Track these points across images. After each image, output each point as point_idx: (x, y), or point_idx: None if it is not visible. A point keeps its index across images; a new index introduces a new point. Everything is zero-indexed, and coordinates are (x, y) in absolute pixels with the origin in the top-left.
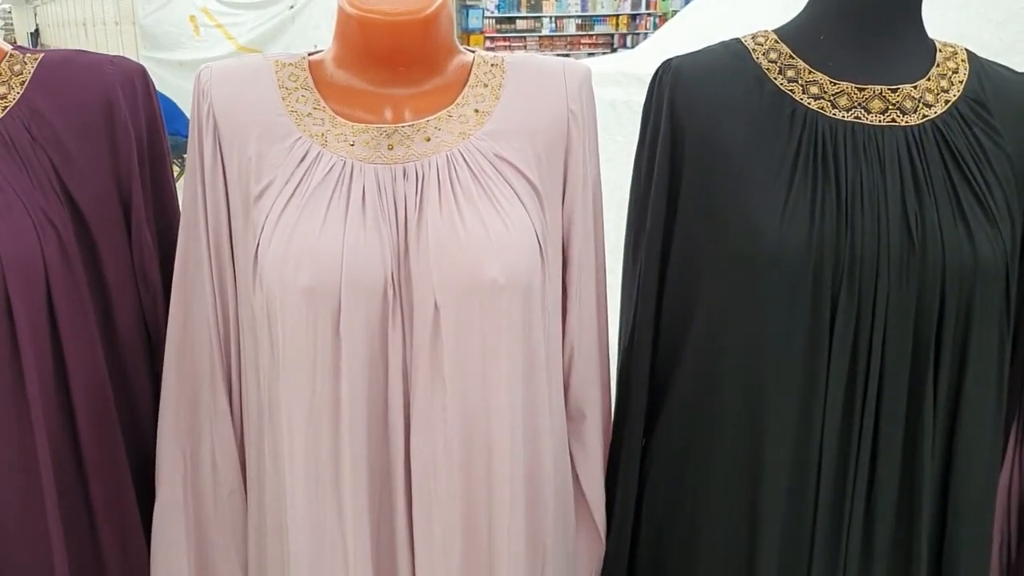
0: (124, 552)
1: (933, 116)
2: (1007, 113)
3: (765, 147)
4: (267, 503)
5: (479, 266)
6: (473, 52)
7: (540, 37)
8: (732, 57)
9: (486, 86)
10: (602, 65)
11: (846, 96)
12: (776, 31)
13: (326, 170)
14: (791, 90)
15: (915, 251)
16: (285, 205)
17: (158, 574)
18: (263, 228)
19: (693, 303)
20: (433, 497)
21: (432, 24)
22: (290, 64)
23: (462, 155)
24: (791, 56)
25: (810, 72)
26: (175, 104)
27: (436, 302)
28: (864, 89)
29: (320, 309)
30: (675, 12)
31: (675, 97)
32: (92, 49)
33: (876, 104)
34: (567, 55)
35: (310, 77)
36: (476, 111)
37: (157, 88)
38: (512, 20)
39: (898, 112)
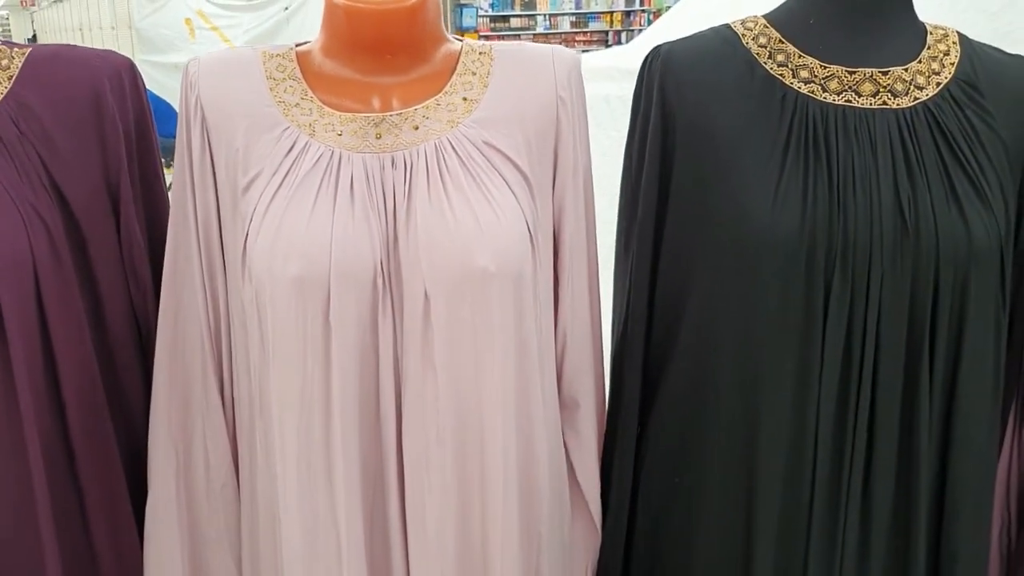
0: (117, 547)
1: (925, 98)
2: (1000, 95)
3: (756, 132)
4: (259, 495)
5: (469, 255)
6: (461, 40)
7: (535, 35)
8: (722, 42)
9: (474, 74)
10: (596, 60)
11: (836, 79)
12: (766, 16)
13: (314, 160)
14: (781, 74)
15: (908, 234)
16: (273, 196)
17: (151, 568)
18: (251, 219)
19: (686, 290)
20: (426, 487)
21: (418, 12)
22: (278, 55)
23: (451, 143)
24: (781, 41)
25: (800, 56)
26: (171, 107)
27: (426, 292)
28: (855, 72)
29: (309, 299)
30: (669, 8)
31: (665, 83)
32: None
33: (867, 87)
34: None
35: (298, 68)
36: (464, 99)
37: (153, 91)
38: (506, 18)
39: (889, 95)
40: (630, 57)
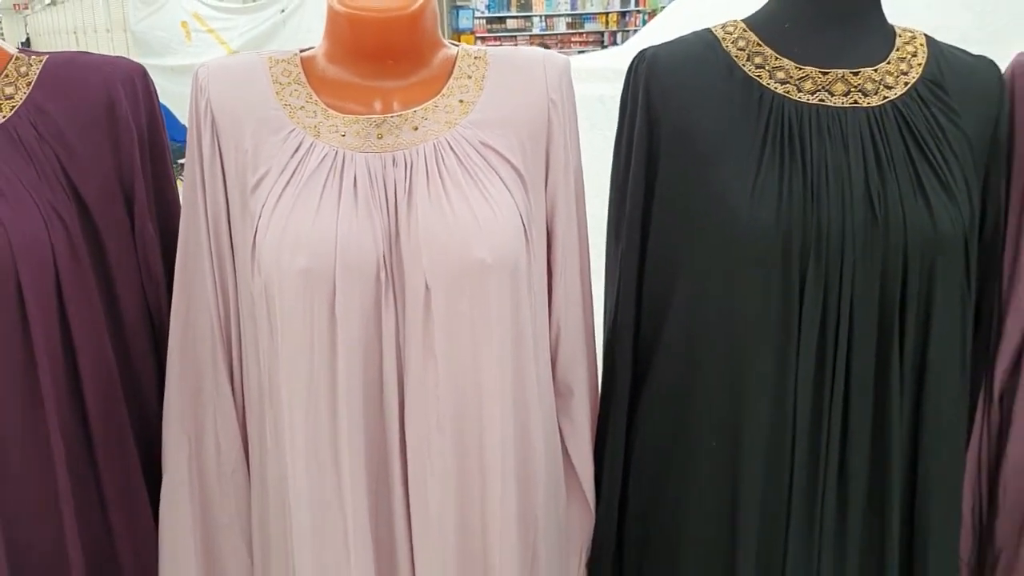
0: (133, 529)
1: (893, 97)
2: (965, 94)
3: (735, 131)
4: (269, 480)
5: (467, 248)
6: (457, 46)
7: (531, 36)
8: (703, 46)
9: (470, 77)
10: (591, 61)
11: (811, 80)
12: (744, 20)
13: (319, 159)
14: (759, 76)
15: (878, 224)
16: (281, 194)
17: (166, 552)
18: (260, 216)
19: (672, 281)
20: (428, 471)
21: (418, 20)
22: (283, 61)
23: (448, 143)
24: (758, 44)
25: (776, 59)
26: (168, 109)
27: (427, 283)
28: (827, 73)
29: (316, 291)
30: (664, 8)
31: (650, 86)
32: None
33: (839, 87)
34: None
35: (302, 72)
36: (461, 101)
37: None
38: (502, 20)
39: (860, 94)
40: (625, 58)
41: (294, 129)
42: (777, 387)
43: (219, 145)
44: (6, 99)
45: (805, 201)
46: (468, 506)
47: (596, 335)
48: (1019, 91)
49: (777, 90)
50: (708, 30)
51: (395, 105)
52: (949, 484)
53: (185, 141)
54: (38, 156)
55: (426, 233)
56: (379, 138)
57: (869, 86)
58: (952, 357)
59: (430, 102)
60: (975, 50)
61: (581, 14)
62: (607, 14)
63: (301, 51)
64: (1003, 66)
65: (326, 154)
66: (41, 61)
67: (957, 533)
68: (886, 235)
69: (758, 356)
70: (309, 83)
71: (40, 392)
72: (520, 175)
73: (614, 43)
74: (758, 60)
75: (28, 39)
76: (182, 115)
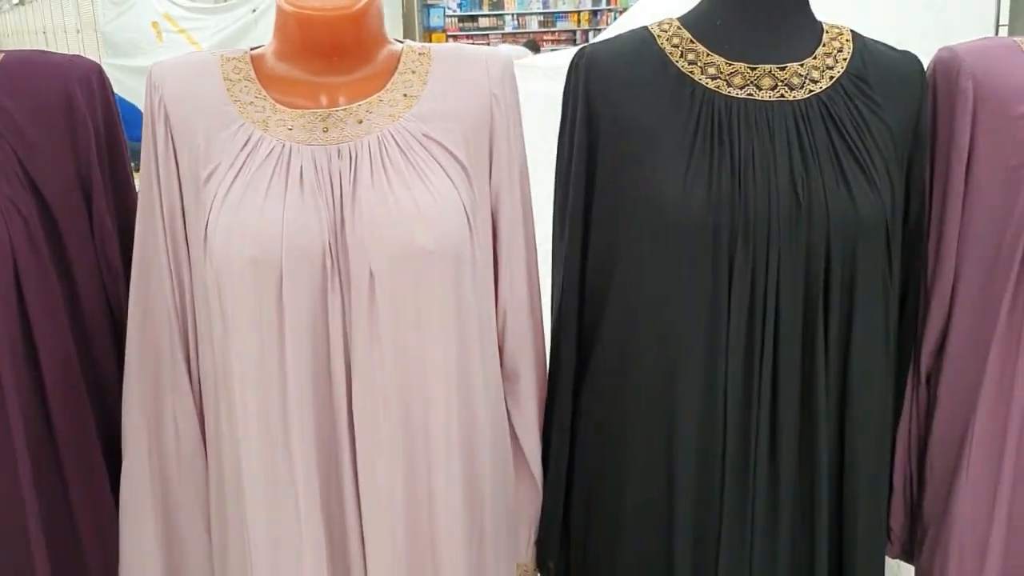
0: (97, 517)
1: (819, 91)
2: (888, 87)
3: (669, 124)
4: (225, 459)
5: (410, 234)
6: (402, 43)
7: (503, 34)
8: (639, 43)
9: (414, 72)
10: (562, 59)
11: (740, 75)
12: (679, 19)
13: (267, 152)
14: (691, 72)
15: (802, 211)
16: (231, 185)
17: (127, 533)
18: (211, 207)
19: (611, 268)
20: (375, 449)
21: (363, 18)
22: (234, 58)
23: (392, 135)
24: (691, 41)
25: (708, 55)
26: (138, 110)
27: (371, 269)
28: (755, 68)
29: (264, 279)
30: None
31: (589, 82)
32: None
33: (766, 81)
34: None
35: (252, 69)
36: (405, 95)
37: (121, 95)
38: (474, 18)
39: (786, 88)
40: None
41: (243, 124)
42: (708, 370)
43: (173, 140)
44: None
45: (733, 190)
46: (415, 482)
47: (545, 322)
48: (941, 85)
49: (708, 85)
50: (645, 28)
51: (341, 100)
52: (876, 462)
53: None
54: None
55: (370, 222)
56: (325, 131)
57: (795, 80)
58: (875, 338)
59: (374, 96)
60: (932, 44)
61: (553, 12)
62: (579, 12)
63: (251, 49)
64: None
65: (273, 147)
66: None
67: (884, 510)
68: (809, 221)
69: (689, 340)
70: (259, 80)
71: (1, 384)
72: (463, 166)
73: (586, 41)
74: (691, 56)
75: None
76: None
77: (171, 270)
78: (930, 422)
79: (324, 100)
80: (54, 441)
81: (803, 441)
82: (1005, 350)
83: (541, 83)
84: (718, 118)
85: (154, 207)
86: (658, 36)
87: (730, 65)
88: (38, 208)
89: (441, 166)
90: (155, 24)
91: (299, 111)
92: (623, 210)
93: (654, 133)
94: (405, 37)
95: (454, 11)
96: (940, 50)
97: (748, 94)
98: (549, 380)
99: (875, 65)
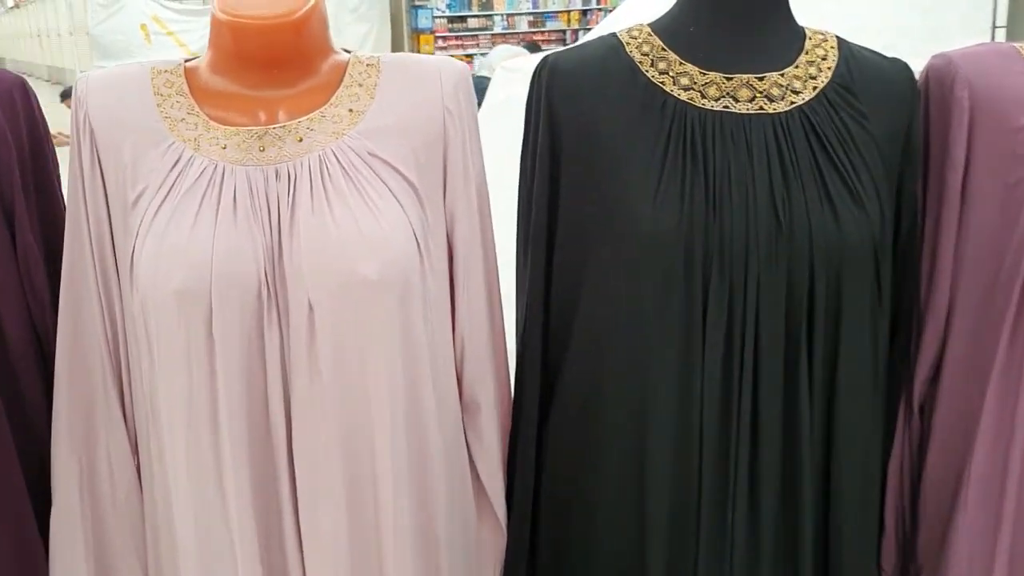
0: (21, 559)
1: (800, 103)
2: (875, 97)
3: (638, 138)
4: (158, 500)
5: (351, 264)
6: (349, 53)
7: (492, 35)
8: (607, 52)
9: (361, 86)
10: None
11: (715, 86)
12: (651, 24)
13: (197, 174)
14: (662, 82)
15: (783, 232)
16: (158, 209)
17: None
18: (138, 233)
19: (577, 291)
20: (318, 491)
21: (303, 26)
22: (166, 71)
23: (335, 154)
24: (663, 49)
25: (681, 64)
26: None
27: (310, 301)
28: (732, 78)
29: (191, 311)
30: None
31: (551, 93)
32: (47, 60)
33: (744, 93)
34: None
35: (185, 83)
36: (350, 110)
37: None
38: (463, 19)
39: (765, 100)
40: None
41: (173, 142)
42: (682, 406)
43: (99, 159)
44: None
45: (707, 210)
46: (362, 525)
47: (509, 346)
48: (934, 95)
49: (680, 96)
50: (613, 34)
51: (280, 115)
52: (863, 497)
53: None
54: None
55: (308, 249)
56: (261, 150)
57: (775, 91)
58: (863, 367)
59: (317, 112)
60: (921, 47)
61: (543, 12)
62: (569, 12)
63: (186, 61)
64: None
65: (205, 168)
66: None
67: (873, 546)
68: (791, 243)
69: (662, 371)
70: (192, 94)
71: None
72: (412, 186)
73: (576, 41)
74: (662, 65)
75: None
76: None
77: (101, 299)
78: (923, 455)
79: (262, 116)
80: None
81: (785, 480)
82: (1004, 385)
83: (526, 87)
84: (691, 132)
85: (81, 231)
86: (627, 43)
87: (704, 75)
88: None
89: (388, 187)
90: (144, 27)
91: (234, 128)
92: (588, 231)
93: (621, 148)
94: (393, 39)
95: (443, 12)
96: (933, 57)
97: (724, 106)
98: (513, 411)
99: (862, 74)
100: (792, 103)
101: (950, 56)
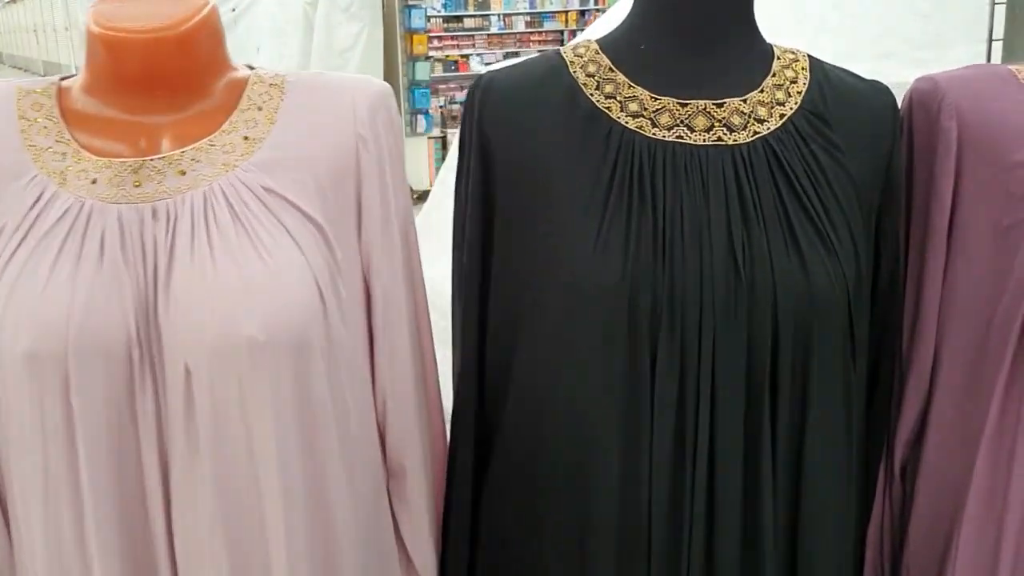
0: None
1: (765, 133)
2: (850, 125)
3: (578, 173)
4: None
5: (233, 322)
6: (252, 70)
7: (489, 35)
8: (548, 71)
9: (260, 109)
10: None
11: (668, 113)
12: (599, 40)
13: (59, 213)
14: (608, 107)
15: (742, 285)
16: (11, 256)
17: None
18: None
19: (513, 346)
20: None
21: (189, 40)
22: (35, 91)
23: (223, 190)
24: (611, 69)
25: (630, 87)
26: None
27: (187, 366)
28: (687, 104)
29: (45, 378)
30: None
31: (483, 118)
32: (43, 55)
33: (700, 121)
34: (516, 53)
35: (56, 106)
36: (246, 138)
37: None
38: (459, 19)
39: (725, 130)
40: None
41: (36, 176)
42: (628, 484)
43: None
44: None
45: (656, 257)
46: None
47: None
48: (919, 123)
49: (628, 124)
50: (557, 51)
51: (164, 144)
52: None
53: None
54: None
55: (185, 304)
56: (136, 186)
57: (736, 120)
58: (834, 434)
59: (205, 140)
60: (921, 53)
61: (540, 13)
62: (566, 12)
63: (62, 78)
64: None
65: (69, 206)
66: None
67: None
68: (751, 296)
69: (604, 444)
70: (63, 118)
71: None
72: (316, 225)
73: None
74: (608, 88)
75: None
76: None
77: None
78: (905, 523)
79: (143, 145)
80: None
81: (745, 567)
82: (996, 450)
83: None
84: (639, 166)
85: None
86: (571, 62)
87: (656, 100)
88: None
89: (285, 227)
90: None
91: (106, 160)
92: (523, 280)
93: (560, 184)
94: (386, 39)
95: (438, 11)
96: (917, 80)
97: (677, 136)
98: (447, 475)
99: (837, 99)
100: (755, 133)
101: (936, 79)
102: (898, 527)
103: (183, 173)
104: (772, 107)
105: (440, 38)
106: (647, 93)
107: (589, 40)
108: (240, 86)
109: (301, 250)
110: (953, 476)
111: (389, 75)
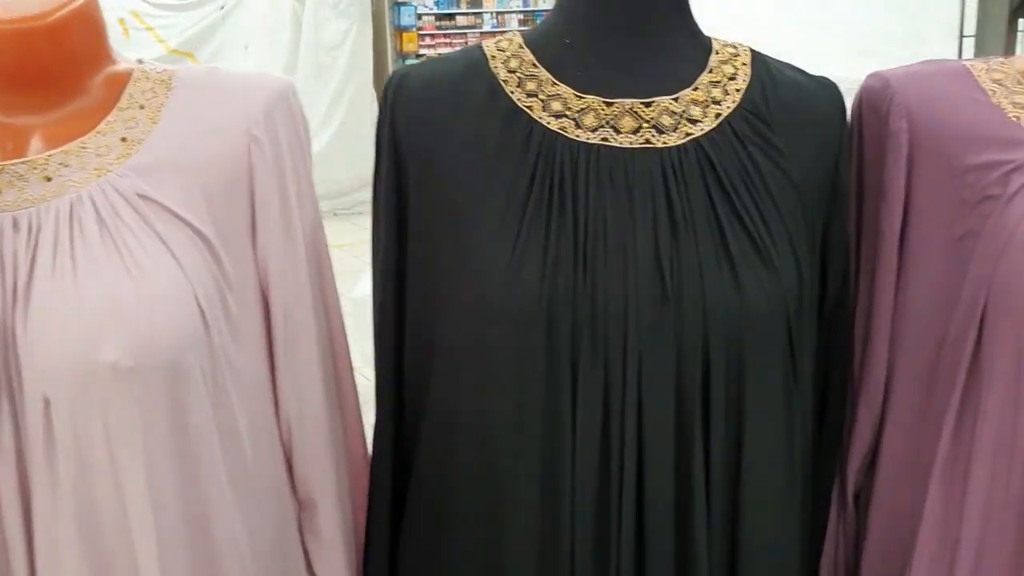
0: None
1: (698, 134)
2: (792, 126)
3: (495, 178)
4: None
5: (94, 347)
6: (138, 64)
7: (481, 32)
8: (467, 67)
9: (142, 107)
10: None
11: (593, 113)
12: (524, 34)
13: None
14: (529, 107)
15: (670, 303)
16: None
17: None
18: None
19: (427, 372)
20: None
21: (63, 32)
22: None
23: (92, 198)
24: (534, 65)
25: (554, 84)
26: None
27: (45, 395)
28: (613, 104)
29: None
30: None
31: (396, 116)
32: None
33: (627, 122)
34: None
35: None
36: (123, 139)
37: None
38: (452, 16)
39: (653, 131)
40: None
41: None
42: (545, 520)
43: None
44: None
45: (576, 271)
46: None
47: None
48: (869, 124)
49: (550, 125)
50: (479, 46)
51: (33, 147)
52: None
53: None
54: None
55: (43, 327)
56: None
57: (666, 120)
58: (774, 464)
59: (76, 142)
60: (900, 50)
61: (533, 11)
62: None
63: None
64: None
65: None
66: None
67: None
68: (679, 315)
69: (520, 478)
70: None
71: None
72: (201, 236)
73: None
74: (531, 86)
75: None
76: None
77: None
78: (859, 554)
79: (9, 148)
80: None
81: None
82: (948, 481)
83: None
84: (559, 171)
85: None
86: (492, 57)
87: (581, 99)
88: None
89: (161, 239)
90: (122, 21)
91: None
92: (436, 296)
93: (475, 189)
94: (375, 37)
95: (431, 9)
96: (868, 77)
97: (602, 138)
98: (367, 512)
99: (779, 98)
100: (687, 135)
101: (887, 77)
102: (853, 556)
103: (48, 179)
104: (707, 106)
105: (433, 35)
106: (571, 91)
107: (514, 33)
108: (122, 82)
109: (179, 264)
110: (906, 506)
111: (379, 73)
